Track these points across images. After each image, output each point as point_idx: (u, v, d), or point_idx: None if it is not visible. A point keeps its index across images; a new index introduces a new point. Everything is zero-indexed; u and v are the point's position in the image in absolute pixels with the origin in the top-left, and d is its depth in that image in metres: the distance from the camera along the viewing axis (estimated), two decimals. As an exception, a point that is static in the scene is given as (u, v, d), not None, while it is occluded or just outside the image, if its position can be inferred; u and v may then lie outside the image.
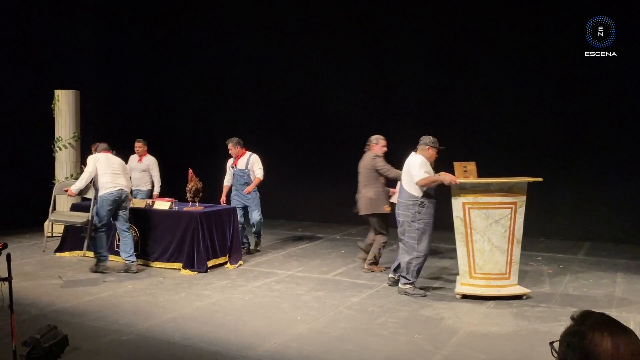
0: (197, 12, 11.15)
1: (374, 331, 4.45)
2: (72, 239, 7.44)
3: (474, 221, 5.21)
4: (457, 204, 5.26)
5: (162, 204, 6.92)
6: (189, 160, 8.27)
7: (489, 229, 5.19)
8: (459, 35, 8.68)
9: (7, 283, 3.59)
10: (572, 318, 1.37)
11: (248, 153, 7.38)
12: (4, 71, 9.49)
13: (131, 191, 7.30)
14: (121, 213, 6.55)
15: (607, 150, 7.81)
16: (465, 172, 5.34)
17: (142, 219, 6.93)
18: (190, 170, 6.95)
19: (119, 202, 6.49)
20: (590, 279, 5.98)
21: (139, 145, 8.04)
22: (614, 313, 4.72)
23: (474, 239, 5.22)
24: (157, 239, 6.79)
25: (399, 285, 5.51)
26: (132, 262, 6.49)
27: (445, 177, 5.19)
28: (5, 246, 3.61)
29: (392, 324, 4.60)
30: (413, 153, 5.53)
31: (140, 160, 8.07)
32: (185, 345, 4.20)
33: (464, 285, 5.34)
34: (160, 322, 4.73)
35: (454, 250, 6.77)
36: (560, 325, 4.27)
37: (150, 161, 8.10)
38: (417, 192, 5.34)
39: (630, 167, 7.69)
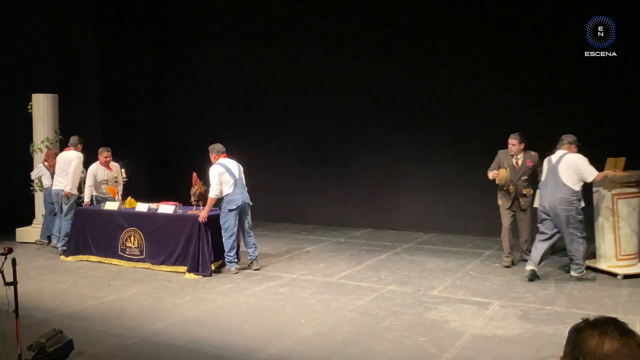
0: (194, 18, 11.20)
1: (379, 334, 4.44)
2: (75, 243, 7.47)
3: (620, 210, 6.01)
4: (608, 196, 6.04)
5: (167, 208, 6.93)
6: (193, 164, 8.30)
7: (630, 215, 6.05)
8: (458, 36, 8.67)
9: (12, 287, 3.60)
10: (582, 318, 1.42)
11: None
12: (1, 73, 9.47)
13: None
14: (62, 207, 7.75)
15: (610, 150, 7.75)
16: (614, 167, 6.05)
17: (146, 222, 6.95)
18: (194, 174, 6.95)
19: (55, 198, 7.78)
20: (596, 281, 5.95)
21: (109, 155, 7.82)
22: (619, 315, 4.69)
23: (620, 225, 6.03)
24: (162, 243, 6.79)
25: (573, 273, 5.91)
26: (60, 247, 7.69)
27: (608, 172, 5.84)
28: (10, 251, 3.63)
29: (397, 327, 4.59)
30: (564, 151, 5.96)
31: (110, 169, 7.88)
32: (190, 349, 4.21)
33: (610, 267, 6.09)
34: (165, 326, 4.74)
35: (450, 252, 6.75)
36: (565, 327, 4.24)
37: (117, 166, 8.01)
38: (578, 188, 5.82)
39: (633, 168, 7.64)
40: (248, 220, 6.72)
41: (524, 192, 6.59)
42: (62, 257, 7.50)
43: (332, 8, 9.74)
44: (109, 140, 10.52)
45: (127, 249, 7.03)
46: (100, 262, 7.22)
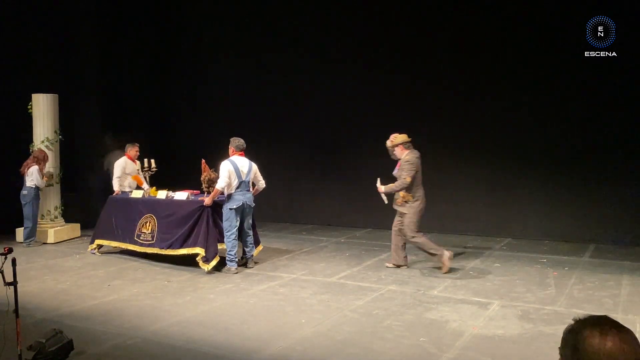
0: (196, 17, 11.20)
1: (379, 334, 4.44)
2: (98, 230, 7.87)
3: None
4: None
5: (181, 195, 7.28)
6: (192, 161, 8.59)
7: None
8: (458, 36, 8.67)
9: (12, 287, 3.60)
10: (574, 319, 1.43)
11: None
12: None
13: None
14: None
15: (610, 151, 7.78)
16: None
17: (160, 209, 7.24)
18: (203, 161, 7.16)
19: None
20: (595, 281, 5.95)
21: (133, 150, 8.37)
22: (619, 315, 4.70)
23: None
24: (171, 227, 6.99)
25: None
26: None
27: None
28: (10, 251, 3.63)
29: (397, 327, 4.59)
30: None
31: (135, 162, 8.41)
32: (190, 349, 4.21)
33: None
34: (165, 326, 4.74)
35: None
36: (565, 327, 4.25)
37: (138, 162, 8.46)
38: None
39: (633, 168, 7.66)
40: (248, 220, 6.83)
41: (401, 195, 6.33)
42: (90, 247, 7.85)
43: (335, 15, 9.76)
44: (111, 136, 10.53)
45: (142, 235, 7.29)
46: (117, 246, 7.66)
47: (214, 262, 6.57)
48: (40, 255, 7.78)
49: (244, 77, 10.70)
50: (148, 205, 7.41)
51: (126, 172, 8.21)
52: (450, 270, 6.33)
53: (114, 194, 8.04)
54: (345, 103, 9.71)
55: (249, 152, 7.29)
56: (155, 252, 7.04)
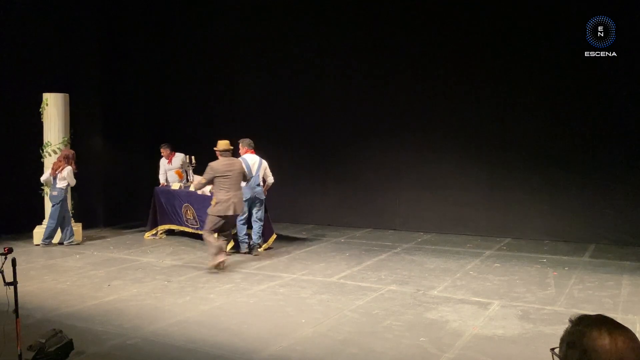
0: (200, 16, 11.19)
1: (379, 334, 4.44)
2: (151, 220, 9.13)
3: None
4: None
5: (207, 189, 7.94)
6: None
7: None
8: (457, 37, 8.68)
9: (12, 287, 3.60)
10: (570, 320, 1.41)
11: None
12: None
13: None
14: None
15: (610, 151, 7.78)
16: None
17: (193, 199, 8.27)
18: None
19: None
20: (595, 281, 5.95)
21: (161, 151, 9.35)
22: (619, 315, 4.70)
23: None
24: (202, 215, 7.84)
25: None
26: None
27: None
28: (10, 251, 3.63)
29: (397, 327, 4.59)
30: None
31: (170, 161, 9.35)
32: (189, 349, 4.21)
33: None
34: (164, 326, 4.74)
35: (450, 252, 6.75)
36: (565, 327, 4.24)
37: (182, 155, 9.33)
38: None
39: (634, 168, 7.66)
40: (256, 211, 7.67)
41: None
42: (146, 235, 9.00)
43: (334, 16, 9.76)
44: (112, 136, 10.54)
45: (188, 220, 8.50)
46: (174, 228, 8.89)
47: (230, 245, 7.50)
48: (40, 255, 7.78)
49: (245, 78, 10.69)
50: (183, 196, 8.56)
51: (166, 169, 9.35)
52: (218, 268, 6.62)
53: (159, 186, 9.27)
54: (345, 103, 9.71)
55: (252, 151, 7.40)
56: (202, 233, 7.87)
